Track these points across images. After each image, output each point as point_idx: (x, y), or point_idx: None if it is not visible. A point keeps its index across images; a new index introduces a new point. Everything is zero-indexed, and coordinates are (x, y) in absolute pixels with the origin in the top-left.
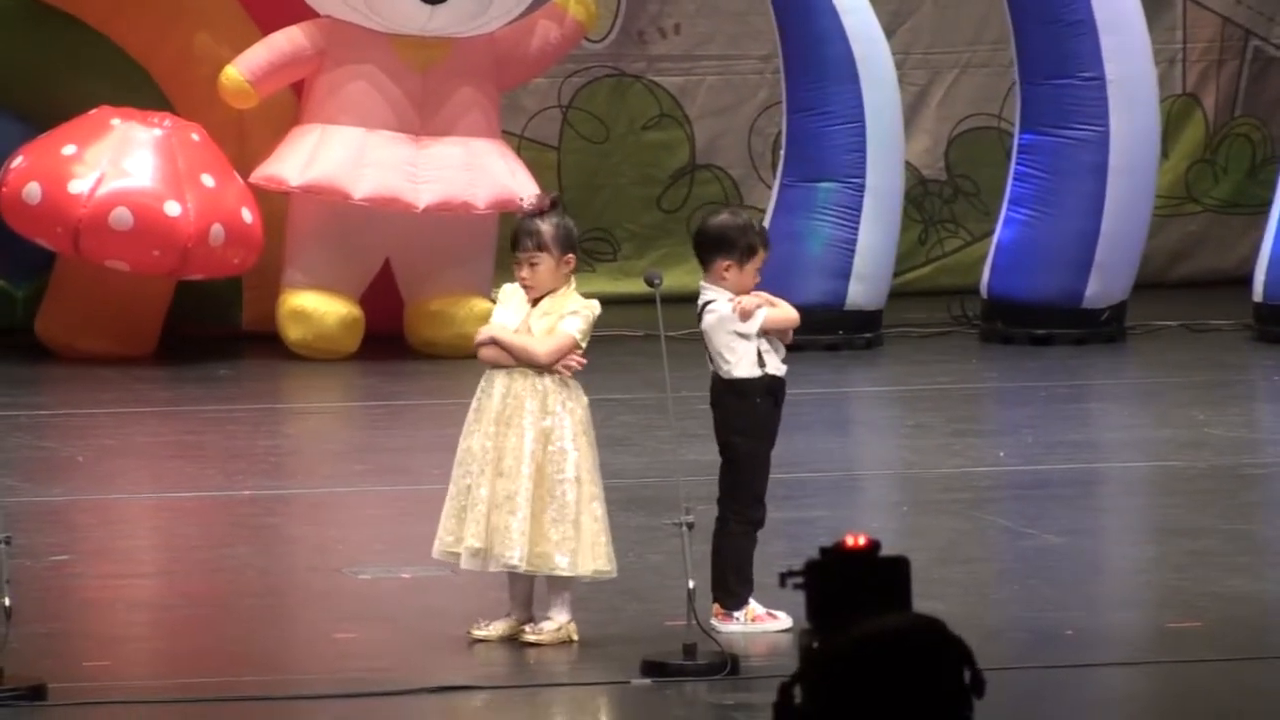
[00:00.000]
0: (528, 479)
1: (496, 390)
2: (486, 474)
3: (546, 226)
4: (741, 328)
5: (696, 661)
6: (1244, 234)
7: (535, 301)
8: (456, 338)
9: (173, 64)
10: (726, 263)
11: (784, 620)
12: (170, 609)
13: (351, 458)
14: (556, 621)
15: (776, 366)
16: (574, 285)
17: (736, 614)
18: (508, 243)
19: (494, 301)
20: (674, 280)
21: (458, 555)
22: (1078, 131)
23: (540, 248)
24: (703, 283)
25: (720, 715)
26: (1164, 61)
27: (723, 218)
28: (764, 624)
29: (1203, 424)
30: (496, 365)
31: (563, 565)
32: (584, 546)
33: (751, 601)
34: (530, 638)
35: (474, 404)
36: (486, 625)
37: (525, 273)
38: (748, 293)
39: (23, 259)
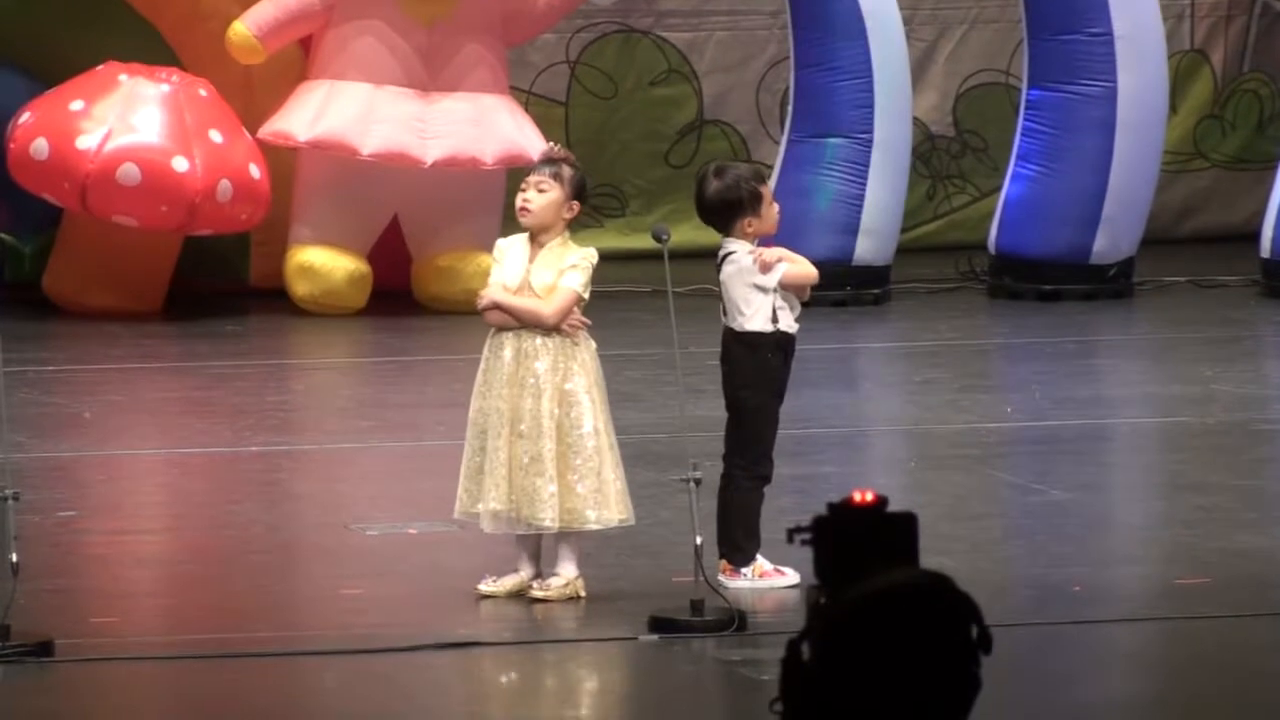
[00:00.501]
0: (549, 438)
1: (506, 352)
2: (503, 435)
3: (568, 169)
4: (760, 280)
5: (704, 617)
6: (1252, 189)
7: (534, 251)
8: (464, 293)
9: (180, 20)
10: (746, 219)
11: (791, 576)
12: (177, 565)
13: (359, 413)
14: (564, 577)
15: (789, 324)
16: (568, 235)
17: (744, 570)
18: (515, 197)
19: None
20: (681, 236)
21: (478, 516)
22: (1085, 87)
23: (556, 178)
24: (725, 237)
25: (727, 671)
26: (1172, 17)
27: (714, 185)
28: (771, 580)
29: (1210, 379)
30: (504, 327)
31: (592, 519)
32: (607, 498)
33: (759, 558)
34: (538, 593)
35: (482, 365)
36: (494, 581)
37: (530, 195)
38: (773, 230)
39: (30, 215)
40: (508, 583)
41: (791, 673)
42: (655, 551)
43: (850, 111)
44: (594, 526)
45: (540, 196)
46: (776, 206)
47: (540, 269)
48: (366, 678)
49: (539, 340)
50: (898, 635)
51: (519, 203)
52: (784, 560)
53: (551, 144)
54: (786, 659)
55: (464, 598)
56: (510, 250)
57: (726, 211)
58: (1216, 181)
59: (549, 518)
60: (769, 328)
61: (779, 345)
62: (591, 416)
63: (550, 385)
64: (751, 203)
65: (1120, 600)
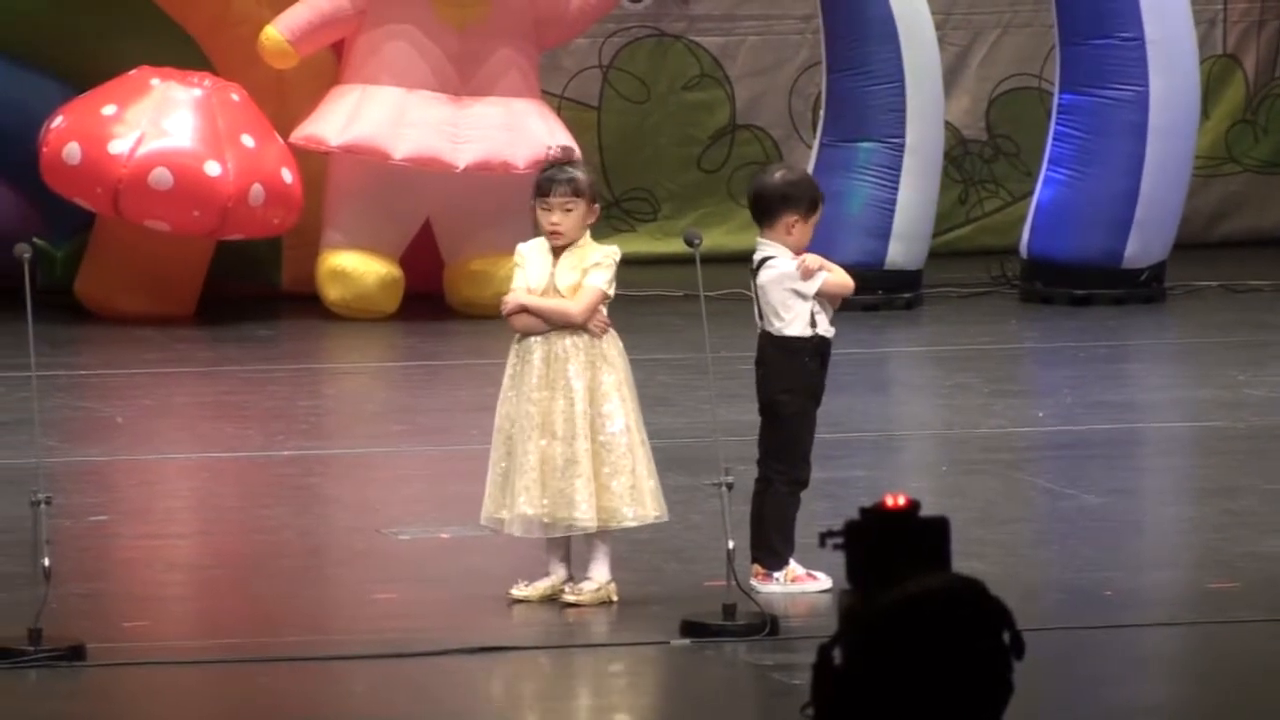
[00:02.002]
0: (584, 438)
1: (536, 355)
2: (533, 439)
3: (580, 175)
4: (801, 286)
5: (736, 622)
6: None
7: (556, 253)
8: (496, 297)
9: (212, 24)
10: (793, 218)
11: (824, 581)
12: (209, 569)
13: (391, 418)
14: (596, 581)
15: (826, 328)
16: (589, 234)
17: (776, 574)
18: (538, 216)
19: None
20: (713, 240)
21: (503, 521)
22: (1117, 91)
23: (577, 194)
24: (760, 239)
25: (759, 676)
26: (1204, 23)
27: (783, 174)
28: (804, 584)
29: (1242, 384)
30: (530, 331)
31: (629, 516)
32: (642, 495)
33: (792, 562)
34: (570, 598)
35: (509, 370)
36: (526, 586)
37: (557, 218)
38: (804, 250)
39: (62, 219)
40: (540, 587)
41: (823, 677)
42: (687, 556)
43: (882, 116)
44: (631, 523)
45: (568, 217)
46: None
47: (564, 270)
48: (397, 682)
49: (568, 341)
50: (930, 640)
51: (547, 226)
52: (816, 565)
53: (549, 148)
54: (818, 663)
55: (496, 602)
56: (531, 254)
57: (785, 199)
58: (1248, 186)
59: (588, 518)
60: (808, 332)
61: (817, 350)
62: (623, 414)
63: (582, 385)
64: (810, 206)
65: (1151, 605)
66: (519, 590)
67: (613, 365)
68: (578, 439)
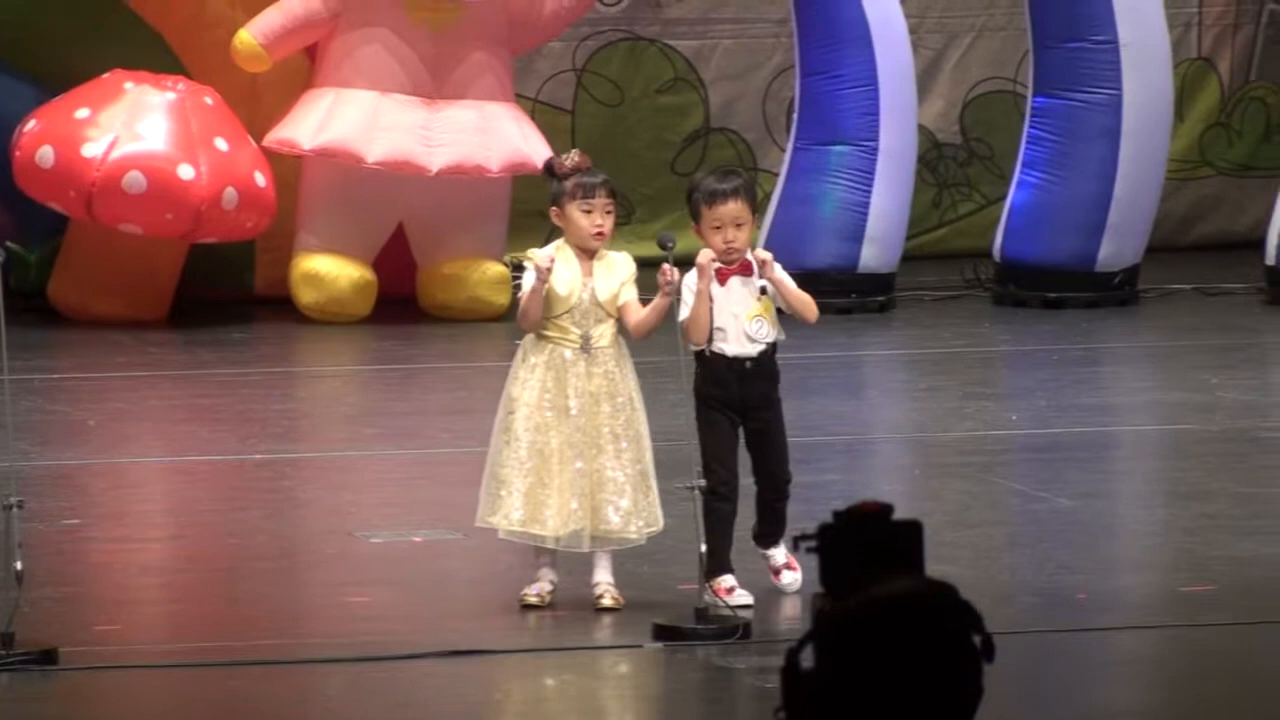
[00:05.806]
0: (635, 447)
1: (577, 367)
2: (583, 453)
3: (606, 179)
4: (686, 280)
5: (709, 626)
6: (1257, 197)
7: (583, 257)
8: (470, 301)
9: (186, 28)
10: (693, 227)
11: (741, 598)
12: (182, 573)
13: (364, 421)
14: (611, 581)
15: (722, 345)
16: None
17: (709, 584)
18: (521, 206)
19: (507, 265)
20: (687, 243)
21: (529, 535)
22: (1090, 95)
23: (613, 196)
24: None
25: (732, 679)
26: (1179, 26)
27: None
28: (720, 597)
29: (1215, 387)
30: (557, 342)
31: (661, 519)
32: (656, 501)
33: (724, 575)
34: (609, 604)
35: (537, 382)
36: (536, 589)
37: (601, 219)
38: (718, 252)
39: (36, 222)
40: (546, 592)
41: (792, 681)
42: (659, 559)
43: (855, 119)
44: (660, 528)
45: (609, 219)
46: (724, 236)
47: (603, 280)
48: (371, 685)
49: (609, 351)
50: (900, 643)
51: (591, 229)
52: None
53: (575, 153)
54: (785, 667)
55: (469, 605)
56: (558, 259)
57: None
58: (1222, 189)
59: (633, 530)
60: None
61: (702, 358)
62: (643, 420)
63: (624, 395)
64: (693, 213)
65: (1124, 608)
66: (532, 597)
67: (635, 376)
68: (625, 451)
